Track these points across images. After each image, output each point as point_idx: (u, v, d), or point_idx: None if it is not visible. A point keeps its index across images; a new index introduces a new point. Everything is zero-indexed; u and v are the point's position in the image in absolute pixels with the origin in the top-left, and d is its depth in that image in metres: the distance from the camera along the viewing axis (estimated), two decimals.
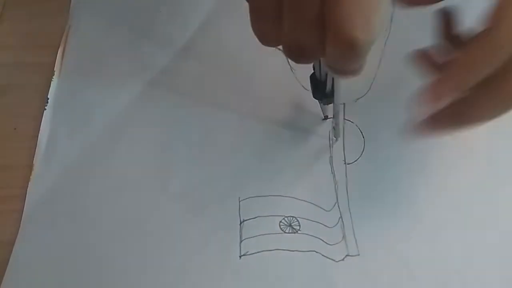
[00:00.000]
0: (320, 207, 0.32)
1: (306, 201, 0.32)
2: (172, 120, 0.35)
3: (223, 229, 0.31)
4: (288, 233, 0.31)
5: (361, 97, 0.35)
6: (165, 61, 0.37)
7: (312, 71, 0.29)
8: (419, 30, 0.36)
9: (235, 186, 0.32)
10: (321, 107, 0.32)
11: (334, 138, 0.33)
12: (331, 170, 0.33)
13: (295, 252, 0.30)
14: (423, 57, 0.25)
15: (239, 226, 0.31)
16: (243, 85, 0.36)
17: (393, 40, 0.36)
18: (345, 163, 0.33)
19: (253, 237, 0.31)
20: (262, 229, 0.31)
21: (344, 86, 0.35)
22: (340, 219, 0.31)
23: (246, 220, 0.31)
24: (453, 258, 0.29)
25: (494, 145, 0.32)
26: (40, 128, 0.35)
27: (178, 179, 0.33)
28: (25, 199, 0.33)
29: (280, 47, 0.20)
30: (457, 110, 0.23)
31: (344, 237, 0.30)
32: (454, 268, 0.29)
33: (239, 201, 0.32)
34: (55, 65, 0.38)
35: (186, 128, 0.35)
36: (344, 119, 0.34)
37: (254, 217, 0.31)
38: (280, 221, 0.31)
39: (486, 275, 0.28)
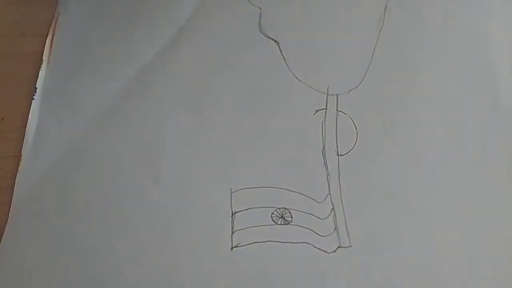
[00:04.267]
0: (312, 199, 0.31)
1: (298, 192, 0.32)
2: (162, 111, 0.35)
3: (214, 221, 0.31)
4: (280, 224, 0.31)
5: (354, 88, 0.34)
6: (155, 49, 0.37)
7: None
8: (414, 21, 0.36)
9: (226, 178, 0.32)
10: None
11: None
12: (324, 162, 0.33)
13: (287, 243, 0.30)
14: None
15: (230, 217, 0.31)
16: (235, 76, 0.35)
17: (387, 31, 0.36)
18: (337, 155, 0.33)
19: (245, 228, 0.30)
20: (254, 220, 0.31)
21: (338, 77, 0.35)
22: (332, 211, 0.31)
23: (238, 211, 0.31)
24: (445, 249, 0.29)
25: (487, 139, 0.32)
26: (28, 118, 0.35)
27: (169, 170, 0.33)
28: (13, 190, 0.32)
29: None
30: None
31: (336, 228, 0.30)
32: (446, 259, 0.29)
33: (231, 193, 0.32)
34: (43, 54, 0.37)
35: (177, 119, 0.34)
36: (337, 110, 0.34)
37: (246, 208, 0.31)
38: (272, 213, 0.31)
39: (479, 265, 0.29)
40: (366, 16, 0.36)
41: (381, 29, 0.36)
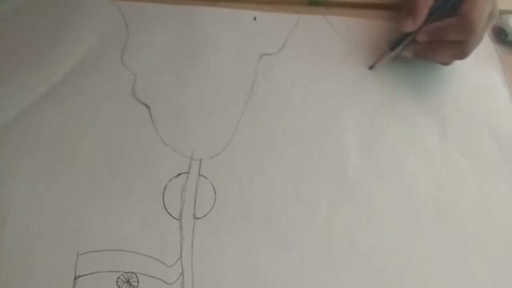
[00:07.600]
0: (162, 263, 0.31)
1: (148, 256, 0.31)
2: (17, 166, 0.34)
3: (54, 285, 0.29)
4: None
5: (218, 154, 0.36)
6: (22, 105, 0.36)
7: None
8: (277, 98, 0.39)
9: (75, 240, 0.31)
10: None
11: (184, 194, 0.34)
12: (179, 225, 0.33)
13: None
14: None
15: (72, 282, 0.29)
16: (100, 137, 0.36)
17: (253, 104, 0.39)
18: (194, 218, 0.33)
19: None
20: (98, 285, 0.29)
21: (204, 143, 0.36)
22: (181, 275, 0.31)
23: (81, 276, 0.30)
24: None
25: (333, 205, 0.35)
26: None
27: (14, 228, 0.31)
28: None
29: None
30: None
31: None
32: None
33: (77, 256, 0.30)
34: None
35: (31, 176, 0.33)
36: (199, 174, 0.35)
37: (90, 272, 0.30)
38: (118, 277, 0.30)
39: None
40: (235, 90, 0.39)
41: (248, 102, 0.39)
